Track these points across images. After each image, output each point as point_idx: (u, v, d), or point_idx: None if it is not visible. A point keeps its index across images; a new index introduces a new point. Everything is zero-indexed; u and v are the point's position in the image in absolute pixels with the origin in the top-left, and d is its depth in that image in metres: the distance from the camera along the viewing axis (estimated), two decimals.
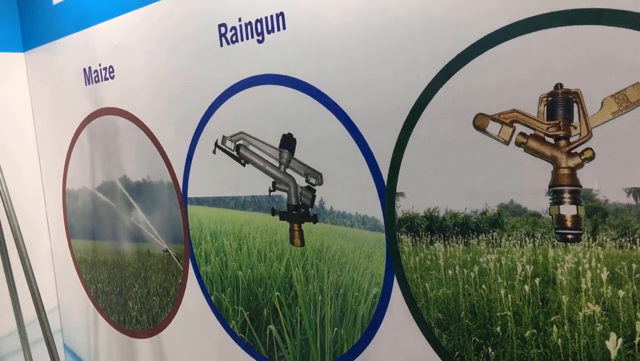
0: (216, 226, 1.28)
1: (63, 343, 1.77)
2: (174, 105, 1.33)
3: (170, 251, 1.40)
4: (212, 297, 1.32)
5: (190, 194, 1.32)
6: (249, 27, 1.15)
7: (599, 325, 0.78)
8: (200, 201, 1.31)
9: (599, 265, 0.77)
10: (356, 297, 1.06)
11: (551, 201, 0.80)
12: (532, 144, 0.81)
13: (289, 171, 1.14)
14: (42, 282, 1.71)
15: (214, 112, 1.24)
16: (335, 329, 1.11)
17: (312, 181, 1.11)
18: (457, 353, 0.93)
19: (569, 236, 0.79)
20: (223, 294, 1.29)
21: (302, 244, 1.14)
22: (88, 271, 1.65)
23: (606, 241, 0.77)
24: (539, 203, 0.81)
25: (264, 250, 1.21)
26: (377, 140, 0.99)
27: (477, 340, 0.90)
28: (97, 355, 1.67)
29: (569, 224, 0.79)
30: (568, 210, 0.79)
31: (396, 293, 1.00)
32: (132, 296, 1.52)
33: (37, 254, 1.71)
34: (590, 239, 0.78)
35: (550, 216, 0.80)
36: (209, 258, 1.31)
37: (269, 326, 1.22)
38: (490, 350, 0.89)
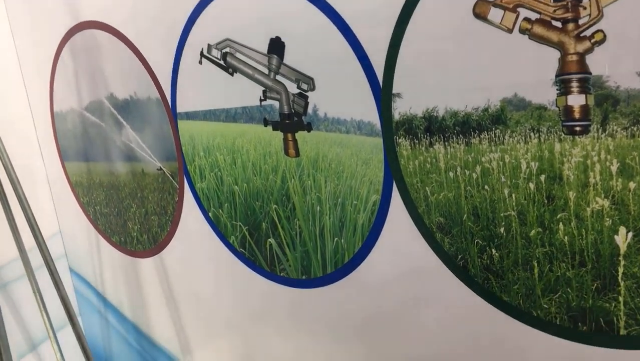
0: (208, 141, 1.24)
1: (68, 267, 1.77)
2: (155, 15, 1.25)
3: (164, 169, 1.36)
4: (209, 213, 1.29)
5: (180, 109, 1.27)
6: None
7: (607, 219, 0.74)
8: (190, 116, 1.25)
9: (608, 157, 0.72)
10: (355, 206, 1.03)
11: (558, 91, 0.74)
12: (538, 29, 0.74)
13: (279, 77, 1.07)
14: (41, 208, 1.69)
15: (197, 19, 1.16)
16: (335, 239, 1.08)
17: (304, 87, 1.04)
18: (459, 256, 0.90)
19: (577, 128, 0.74)
20: (220, 210, 1.26)
21: (297, 154, 1.10)
22: (85, 194, 1.62)
23: (617, 131, 0.71)
24: (544, 94, 0.76)
25: (259, 163, 1.16)
26: (369, 37, 0.92)
27: (480, 242, 0.87)
28: (102, 276, 1.68)
29: (577, 115, 0.73)
30: (576, 100, 0.73)
31: (396, 199, 0.96)
32: (131, 216, 1.50)
33: (32, 180, 1.68)
34: (600, 130, 0.72)
35: (557, 108, 0.75)
36: (204, 174, 1.27)
37: (269, 239, 1.19)
38: (493, 251, 0.86)
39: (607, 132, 0.72)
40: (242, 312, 1.32)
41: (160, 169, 1.37)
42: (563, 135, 0.75)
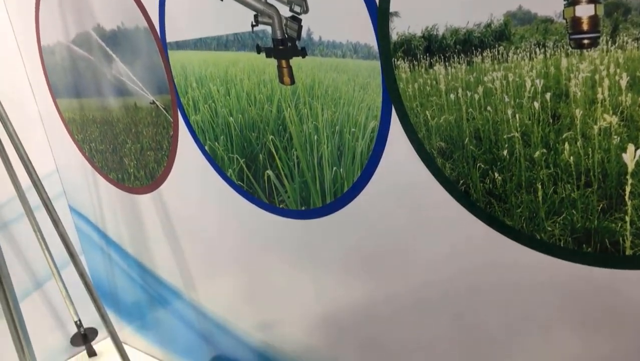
0: (201, 71, 1.19)
1: (68, 205, 1.76)
2: None
3: (157, 102, 1.32)
4: (205, 147, 1.26)
5: (169, 38, 1.22)
6: None
7: (615, 137, 0.71)
8: (180, 45, 1.20)
9: (618, 71, 0.68)
10: (353, 133, 1.00)
11: (565, 2, 0.69)
12: None
13: (270, 0, 1.02)
14: (36, 146, 1.67)
15: None
16: (334, 168, 1.06)
17: (297, 9, 0.99)
18: (461, 181, 0.88)
19: (585, 41, 0.70)
20: (216, 143, 1.23)
21: (292, 82, 1.06)
22: (79, 131, 1.59)
23: (627, 43, 0.67)
24: (551, 5, 0.71)
25: (253, 92, 1.12)
26: None
27: (482, 165, 0.85)
28: (102, 213, 1.67)
29: (585, 26, 0.69)
30: (585, 10, 0.68)
31: (395, 124, 0.93)
32: (127, 152, 1.47)
33: (25, 118, 1.65)
34: (609, 43, 0.68)
35: (564, 20, 0.70)
36: (198, 106, 1.23)
37: (266, 171, 1.17)
38: (496, 175, 0.84)
39: (617, 44, 0.68)
40: (243, 245, 1.32)
41: (153, 102, 1.33)
42: (570, 49, 0.71)
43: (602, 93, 0.70)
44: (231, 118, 1.18)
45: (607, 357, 0.82)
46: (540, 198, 0.80)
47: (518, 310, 0.89)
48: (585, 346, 0.84)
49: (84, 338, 1.75)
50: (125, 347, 1.42)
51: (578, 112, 0.73)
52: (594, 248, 0.77)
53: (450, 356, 1.03)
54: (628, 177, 0.72)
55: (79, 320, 1.72)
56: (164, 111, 1.32)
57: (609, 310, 0.79)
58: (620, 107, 0.70)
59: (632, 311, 0.77)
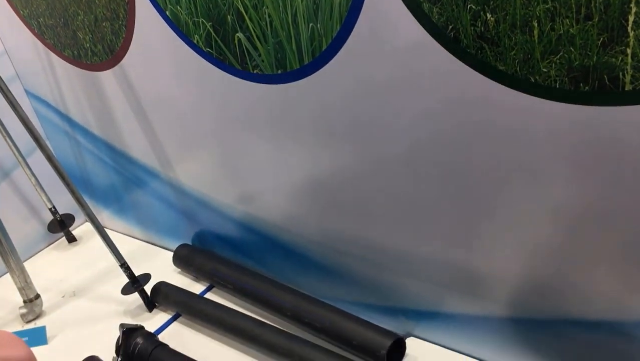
0: None
1: (23, 89, 1.65)
2: None
3: None
4: (167, 12, 1.16)
5: None
6: None
7: None
8: None
9: None
10: None
11: None
12: None
13: None
14: None
15: None
16: (311, 25, 0.98)
17: None
18: (450, 27, 0.82)
19: None
20: (178, 7, 1.13)
21: None
22: (24, 6, 1.45)
23: None
24: None
25: None
26: None
27: (473, 7, 0.79)
28: (62, 95, 1.57)
29: None
30: None
31: None
32: (80, 25, 1.35)
33: None
34: None
35: None
36: None
37: (237, 34, 1.09)
38: (488, 16, 0.78)
39: None
40: (218, 117, 1.26)
41: None
42: None
43: None
44: None
45: (602, 204, 0.82)
46: (536, 37, 0.75)
47: (511, 160, 0.87)
48: (580, 194, 0.83)
49: (60, 224, 1.72)
50: (105, 230, 1.39)
51: None
52: (592, 86, 0.74)
53: (439, 215, 1.02)
54: (632, 5, 0.67)
55: (54, 207, 1.68)
56: None
57: (604, 151, 0.78)
58: None
59: (628, 151, 0.76)
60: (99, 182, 1.72)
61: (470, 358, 1.08)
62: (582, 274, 0.90)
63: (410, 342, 1.19)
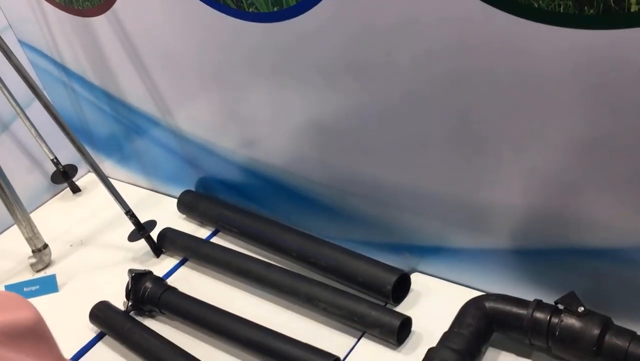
0: None
1: (17, 39, 1.62)
2: None
3: None
4: None
5: None
6: None
7: None
8: None
9: None
10: None
11: None
12: None
13: None
14: None
15: None
16: None
17: None
18: None
19: None
20: None
21: None
22: None
23: None
24: None
25: None
26: None
27: None
28: (57, 44, 1.54)
29: None
30: None
31: None
32: None
33: None
34: None
35: None
36: None
37: None
38: None
39: None
40: (216, 61, 1.24)
41: None
42: None
43: None
44: None
45: (607, 130, 0.81)
46: None
47: (515, 89, 0.86)
48: (585, 120, 0.82)
49: (64, 175, 1.72)
50: (109, 180, 1.39)
51: None
52: (597, 9, 0.72)
53: (442, 150, 1.02)
54: None
55: (56, 158, 1.67)
56: None
57: (610, 75, 0.76)
58: None
59: (634, 73, 0.74)
60: (100, 132, 1.71)
61: (475, 290, 1.09)
62: (586, 203, 0.90)
63: (415, 277, 1.20)
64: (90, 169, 1.41)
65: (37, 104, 1.35)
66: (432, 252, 1.18)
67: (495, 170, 0.97)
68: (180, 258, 1.45)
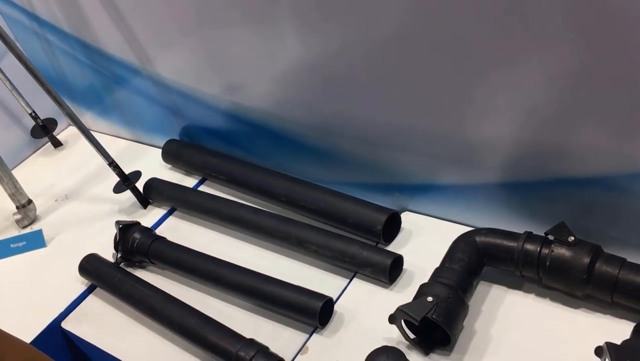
0: None
1: None
2: None
3: None
4: None
5: None
6: None
7: None
8: None
9: None
10: None
11: None
12: None
13: None
14: None
15: None
16: None
17: None
18: None
19: None
20: None
21: None
22: None
23: None
24: None
25: None
26: None
27: None
28: None
29: None
30: None
31: None
32: None
33: None
34: None
35: None
36: None
37: None
38: None
39: None
40: (196, 3, 1.19)
41: None
42: None
43: None
44: None
45: (596, 60, 0.79)
46: None
47: (500, 24, 0.83)
48: (575, 50, 0.80)
49: (43, 129, 1.68)
50: (90, 132, 1.36)
51: None
52: None
53: (431, 86, 0.99)
54: None
55: (34, 112, 1.63)
56: None
57: (601, 6, 0.74)
58: None
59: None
60: (77, 83, 1.66)
61: (466, 227, 1.09)
62: (575, 132, 0.88)
63: (405, 217, 1.20)
64: (70, 121, 1.37)
65: (10, 56, 1.30)
66: (422, 190, 1.17)
67: (484, 103, 0.95)
68: (168, 208, 1.44)
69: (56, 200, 1.55)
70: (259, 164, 1.39)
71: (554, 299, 0.97)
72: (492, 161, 1.02)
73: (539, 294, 0.99)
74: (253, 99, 1.31)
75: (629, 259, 0.89)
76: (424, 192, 1.17)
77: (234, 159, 1.43)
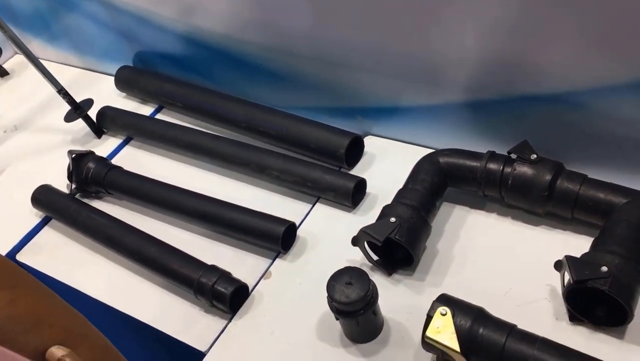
0: None
1: None
2: None
3: None
4: None
5: None
6: None
7: None
8: None
9: None
10: None
11: None
12: None
13: None
14: None
15: None
16: None
17: None
18: None
19: None
20: None
21: None
22: None
23: None
24: None
25: None
26: None
27: None
28: None
29: None
30: None
31: None
32: None
33: None
34: None
35: None
36: None
37: None
38: None
39: None
40: None
41: None
42: None
43: None
44: None
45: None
46: None
47: None
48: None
49: None
50: (38, 59, 1.28)
51: None
52: None
53: (392, 10, 0.95)
54: None
55: None
56: None
57: None
58: None
59: None
60: (23, 8, 1.56)
61: (429, 149, 1.08)
62: (538, 49, 0.86)
63: (368, 140, 1.17)
64: (16, 49, 1.29)
65: None
66: (385, 113, 1.14)
67: (448, 18, 0.91)
68: (124, 138, 1.38)
69: (5, 131, 1.48)
70: (217, 90, 1.34)
71: (515, 217, 0.97)
72: (456, 80, 0.99)
73: (501, 213, 0.99)
74: (210, 21, 1.24)
75: (589, 176, 0.89)
76: (388, 115, 1.14)
77: (191, 85, 1.37)
